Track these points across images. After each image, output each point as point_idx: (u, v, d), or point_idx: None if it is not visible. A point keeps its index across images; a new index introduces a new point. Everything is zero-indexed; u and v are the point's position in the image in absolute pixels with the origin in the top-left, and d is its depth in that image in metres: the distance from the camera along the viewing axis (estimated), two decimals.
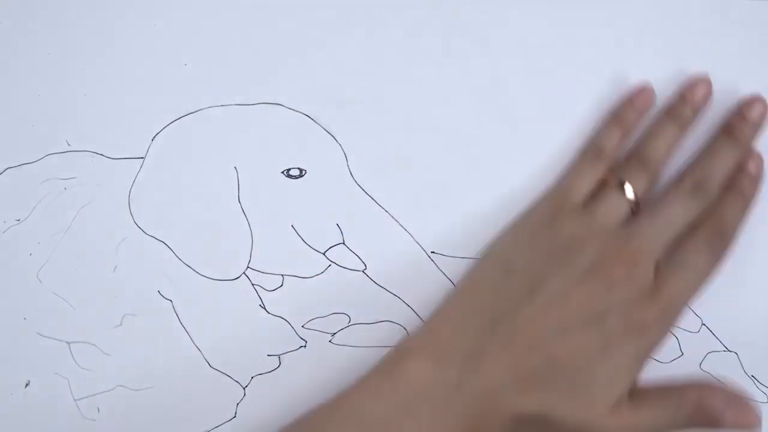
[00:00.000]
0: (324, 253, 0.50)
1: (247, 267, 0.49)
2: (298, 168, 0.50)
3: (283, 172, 0.50)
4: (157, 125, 0.49)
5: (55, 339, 0.49)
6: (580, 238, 0.43)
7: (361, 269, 0.50)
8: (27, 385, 0.49)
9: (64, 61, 0.49)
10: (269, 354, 0.50)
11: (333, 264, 0.50)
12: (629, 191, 0.44)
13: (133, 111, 0.49)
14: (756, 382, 0.51)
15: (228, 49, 0.50)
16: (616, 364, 0.40)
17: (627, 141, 0.47)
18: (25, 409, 0.49)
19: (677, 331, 0.51)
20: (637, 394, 0.41)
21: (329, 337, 0.50)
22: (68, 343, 0.49)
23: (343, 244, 0.50)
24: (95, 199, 0.49)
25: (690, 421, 0.40)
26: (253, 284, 0.50)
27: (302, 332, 0.50)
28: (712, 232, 0.43)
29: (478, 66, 0.50)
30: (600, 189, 0.45)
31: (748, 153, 0.46)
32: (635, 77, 0.50)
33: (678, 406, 0.40)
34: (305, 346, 0.50)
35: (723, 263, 0.45)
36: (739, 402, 0.40)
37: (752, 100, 0.45)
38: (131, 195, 0.49)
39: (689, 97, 0.46)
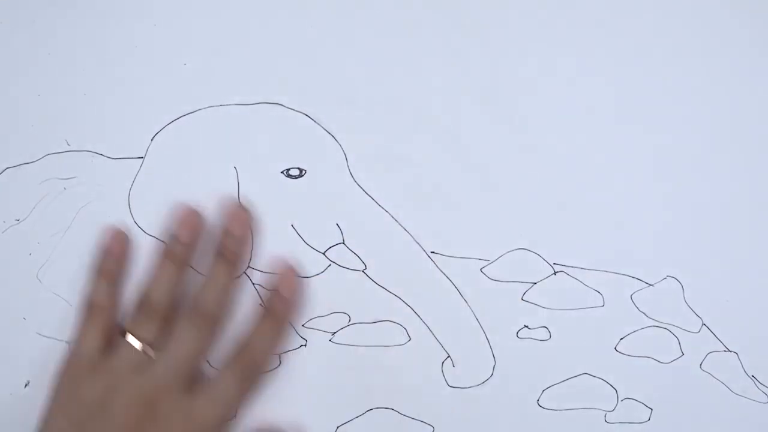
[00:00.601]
0: (324, 253, 0.50)
1: (247, 267, 0.49)
2: (298, 168, 0.50)
3: (283, 172, 0.50)
4: (157, 125, 0.49)
5: (55, 339, 0.49)
6: (100, 401, 0.43)
7: (361, 269, 0.50)
8: (27, 385, 0.49)
9: (64, 61, 0.49)
10: None
11: (333, 264, 0.50)
12: (134, 341, 0.44)
13: (133, 111, 0.49)
14: (756, 382, 0.51)
15: (228, 49, 0.50)
16: None
17: (120, 287, 0.46)
18: (25, 409, 0.49)
19: (678, 332, 0.51)
20: None
21: (329, 336, 0.50)
22: (68, 343, 0.49)
23: (343, 244, 0.50)
24: (95, 199, 0.49)
25: None
26: (253, 284, 0.50)
27: (302, 332, 0.50)
28: (242, 362, 0.45)
29: (478, 66, 0.50)
30: (108, 344, 0.45)
31: (281, 276, 0.47)
32: (634, 77, 0.50)
33: None
34: (305, 346, 0.50)
35: (260, 384, 0.47)
36: None
37: (234, 214, 0.46)
38: (131, 195, 0.49)
39: (178, 235, 0.46)
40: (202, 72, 0.49)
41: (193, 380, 0.45)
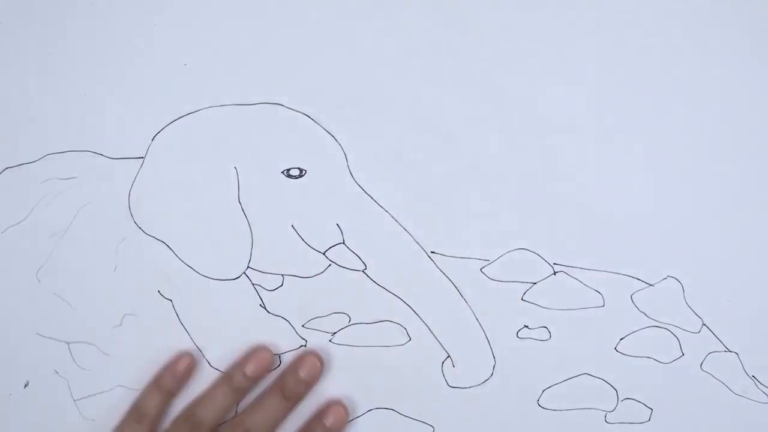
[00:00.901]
0: (324, 253, 0.50)
1: (247, 267, 0.49)
2: (298, 168, 0.50)
3: (283, 172, 0.50)
4: (157, 125, 0.49)
5: (55, 339, 0.49)
6: None
7: (361, 269, 0.50)
8: (27, 385, 0.49)
9: (64, 61, 0.49)
10: None
11: (333, 264, 0.50)
12: None
13: (133, 111, 0.49)
14: (757, 382, 0.51)
15: (228, 49, 0.50)
16: None
17: (171, 401, 0.48)
18: (25, 409, 0.49)
19: (678, 332, 0.51)
20: None
21: (329, 336, 0.50)
22: (68, 343, 0.49)
23: (343, 244, 0.50)
24: (95, 199, 0.49)
25: None
26: (253, 284, 0.50)
27: (302, 332, 0.50)
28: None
29: (478, 66, 0.50)
30: None
31: (328, 406, 0.48)
32: (634, 77, 0.50)
33: None
34: (305, 346, 0.50)
35: None
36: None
37: (305, 358, 0.48)
38: (131, 195, 0.49)
39: (245, 366, 0.48)
40: (202, 72, 0.49)
41: None
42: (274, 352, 0.50)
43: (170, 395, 0.48)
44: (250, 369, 0.47)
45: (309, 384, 0.48)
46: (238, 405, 0.49)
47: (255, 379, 0.48)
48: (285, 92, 0.50)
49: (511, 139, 0.50)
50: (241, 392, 0.48)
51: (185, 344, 0.49)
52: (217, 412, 0.47)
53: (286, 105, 0.50)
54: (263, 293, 0.50)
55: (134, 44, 0.49)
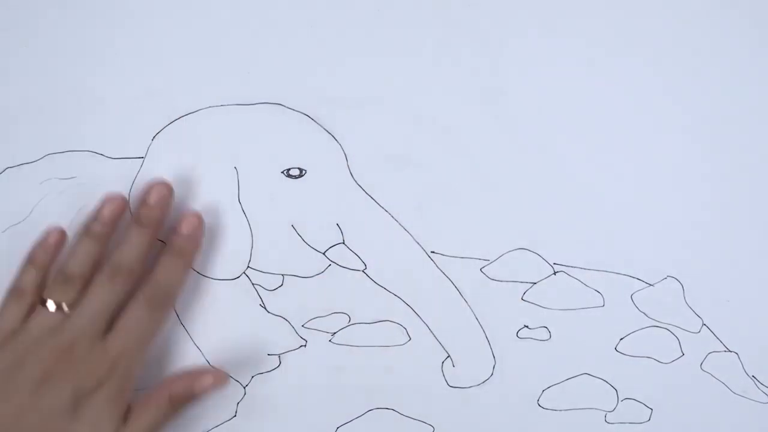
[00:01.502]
0: (324, 253, 0.50)
1: (247, 267, 0.49)
2: (298, 168, 0.50)
3: (283, 172, 0.50)
4: (157, 125, 0.49)
5: None
6: (17, 363, 0.44)
7: (361, 269, 0.50)
8: None
9: (64, 61, 0.49)
10: (269, 353, 0.50)
11: (333, 264, 0.50)
12: (50, 305, 0.45)
13: (133, 111, 0.49)
14: (757, 382, 0.51)
15: (228, 49, 0.50)
16: (91, 420, 0.44)
17: (48, 273, 0.47)
18: None
19: (678, 332, 0.51)
20: (131, 415, 0.45)
21: (329, 336, 0.50)
22: None
23: (343, 244, 0.50)
24: (95, 199, 0.49)
25: (175, 409, 0.46)
26: (253, 284, 0.50)
27: (302, 332, 0.50)
28: (148, 293, 0.46)
29: (479, 66, 0.50)
30: (29, 314, 0.46)
31: (183, 216, 0.48)
32: (635, 78, 0.50)
33: (158, 406, 0.46)
34: (305, 346, 0.50)
35: (169, 313, 0.48)
36: (198, 376, 0.47)
37: (151, 187, 0.47)
38: (131, 195, 0.49)
39: (99, 213, 0.47)
40: (202, 72, 0.49)
41: (108, 330, 0.45)
42: (273, 352, 0.50)
43: (44, 267, 0.47)
44: (104, 214, 0.47)
45: (161, 207, 0.47)
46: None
47: (111, 223, 0.47)
48: (285, 92, 0.50)
49: (512, 139, 0.50)
50: (103, 238, 0.47)
51: (185, 344, 0.49)
52: (84, 260, 0.46)
53: (286, 105, 0.50)
54: (263, 293, 0.50)
55: (134, 44, 0.49)
